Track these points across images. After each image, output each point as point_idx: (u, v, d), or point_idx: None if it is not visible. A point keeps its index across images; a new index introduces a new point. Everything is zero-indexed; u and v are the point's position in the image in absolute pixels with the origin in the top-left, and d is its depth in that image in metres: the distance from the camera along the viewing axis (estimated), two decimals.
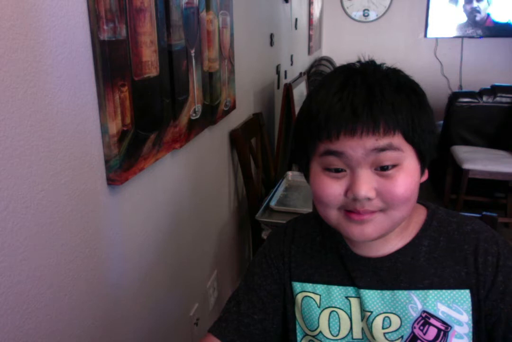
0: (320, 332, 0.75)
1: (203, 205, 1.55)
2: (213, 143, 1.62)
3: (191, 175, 1.42)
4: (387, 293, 0.71)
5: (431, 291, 0.70)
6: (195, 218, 1.49)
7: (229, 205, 1.88)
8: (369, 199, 0.63)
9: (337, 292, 0.75)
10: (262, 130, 2.15)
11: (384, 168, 0.62)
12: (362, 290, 0.72)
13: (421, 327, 0.70)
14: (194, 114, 1.30)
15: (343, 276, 0.74)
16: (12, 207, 0.69)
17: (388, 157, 0.62)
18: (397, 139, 0.62)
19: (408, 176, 0.64)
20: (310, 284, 0.77)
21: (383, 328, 0.71)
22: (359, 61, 0.68)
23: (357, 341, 0.74)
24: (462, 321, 0.69)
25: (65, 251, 0.83)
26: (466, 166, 2.72)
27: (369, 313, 0.72)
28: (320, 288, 0.76)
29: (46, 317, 0.79)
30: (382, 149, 0.61)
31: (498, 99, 2.99)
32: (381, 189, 0.63)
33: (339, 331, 0.74)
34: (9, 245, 0.69)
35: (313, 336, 0.76)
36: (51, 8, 0.74)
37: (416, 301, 0.70)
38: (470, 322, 0.69)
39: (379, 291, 0.72)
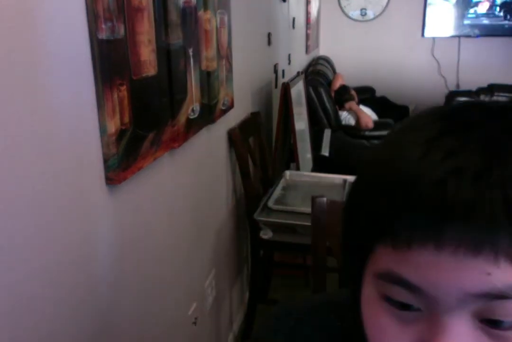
0: None
1: (201, 204, 1.56)
2: (211, 143, 1.62)
3: (189, 174, 1.42)
4: None
5: None
6: (193, 217, 1.49)
7: (227, 204, 1.89)
8: None
9: None
10: (260, 129, 2.15)
11: (497, 323, 0.33)
12: None
13: None
14: (192, 114, 1.30)
15: None
16: (12, 206, 0.69)
17: (509, 310, 0.32)
18: None
19: None
20: None
21: None
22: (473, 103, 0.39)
23: None
24: None
25: (65, 250, 0.83)
26: None
27: None
28: None
29: (45, 317, 0.79)
30: (499, 296, 0.32)
31: (495, 98, 3.00)
32: None
33: None
34: (9, 245, 0.69)
35: None
36: (50, 8, 0.74)
37: None
38: None
39: None
